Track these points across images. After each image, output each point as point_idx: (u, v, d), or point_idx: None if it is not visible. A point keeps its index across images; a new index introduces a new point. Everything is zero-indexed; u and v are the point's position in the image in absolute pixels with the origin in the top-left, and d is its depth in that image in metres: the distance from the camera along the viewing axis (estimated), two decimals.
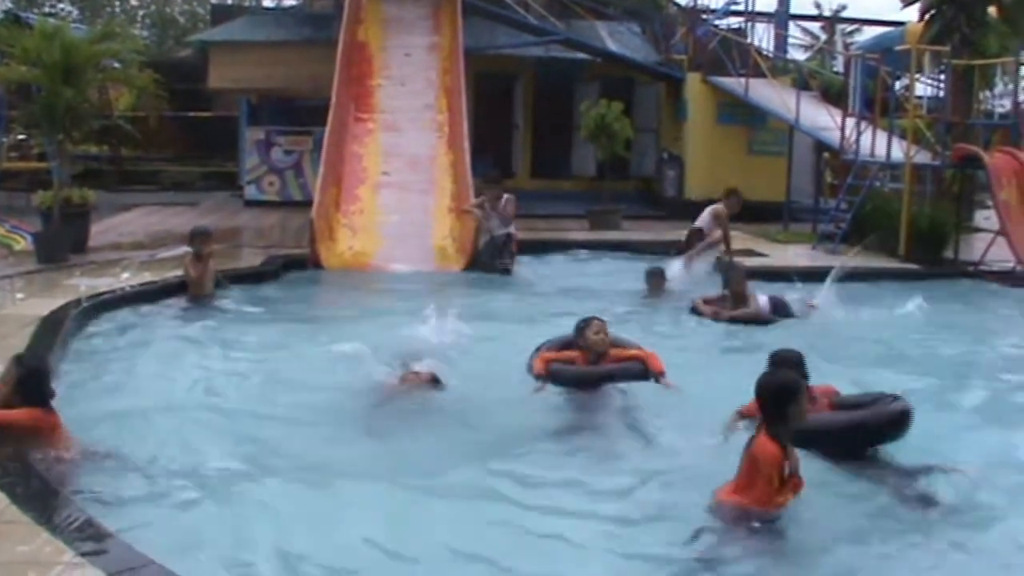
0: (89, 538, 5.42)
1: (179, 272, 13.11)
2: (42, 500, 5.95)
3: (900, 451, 7.35)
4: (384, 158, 18.81)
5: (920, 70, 18.79)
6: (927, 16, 20.31)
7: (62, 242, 15.48)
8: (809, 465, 6.41)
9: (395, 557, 5.81)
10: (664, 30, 27.13)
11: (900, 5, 22.04)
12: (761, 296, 12.52)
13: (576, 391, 8.86)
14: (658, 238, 18.20)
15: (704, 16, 26.53)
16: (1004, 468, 7.50)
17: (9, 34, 16.59)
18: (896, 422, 7.37)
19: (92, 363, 9.91)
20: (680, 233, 17.98)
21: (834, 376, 8.25)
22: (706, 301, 12.40)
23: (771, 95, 22.01)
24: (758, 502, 6.07)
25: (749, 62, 23.28)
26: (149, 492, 6.56)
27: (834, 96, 22.38)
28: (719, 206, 16.25)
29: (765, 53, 25.15)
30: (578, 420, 8.49)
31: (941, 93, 19.78)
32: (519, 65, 25.95)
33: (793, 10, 29.51)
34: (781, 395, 6.23)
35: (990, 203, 18.31)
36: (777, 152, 22.61)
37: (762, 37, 26.36)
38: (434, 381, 8.91)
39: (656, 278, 14.15)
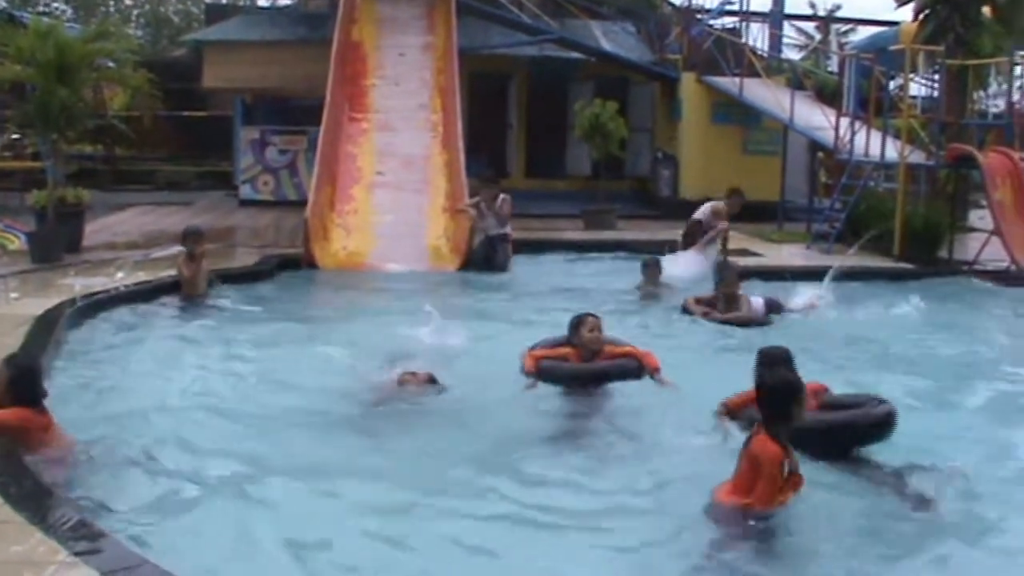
0: (83, 538, 5.40)
1: (173, 272, 13.10)
2: (36, 500, 5.93)
3: (898, 450, 7.36)
4: (378, 158, 18.81)
5: (914, 70, 18.81)
6: (921, 16, 20.30)
7: (56, 242, 15.46)
8: (807, 465, 6.40)
9: (394, 557, 5.81)
10: (659, 30, 27.15)
11: (894, 5, 22.05)
12: (755, 297, 12.50)
13: (571, 390, 8.87)
14: (653, 237, 18.19)
15: (699, 16, 26.54)
16: (999, 467, 7.52)
17: (3, 33, 16.57)
18: (881, 424, 7.39)
19: (86, 362, 9.89)
20: (674, 232, 18.03)
21: (829, 376, 8.24)
22: (697, 300, 12.39)
23: (766, 95, 22.02)
24: (760, 501, 6.06)
25: (744, 62, 23.30)
26: (144, 491, 6.56)
27: (828, 96, 22.42)
28: (720, 203, 16.34)
29: (760, 53, 25.18)
30: (574, 419, 8.50)
31: (935, 93, 19.83)
32: (513, 65, 25.97)
33: (788, 10, 29.56)
34: (785, 394, 6.23)
35: (984, 203, 18.33)
36: (771, 152, 22.61)
37: (757, 37, 26.48)
38: (432, 381, 8.91)
39: (652, 268, 14.19)
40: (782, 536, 6.04)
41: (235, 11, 29.53)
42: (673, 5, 29.02)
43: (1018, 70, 19.40)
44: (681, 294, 13.33)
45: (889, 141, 18.12)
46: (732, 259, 14.77)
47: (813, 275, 13.90)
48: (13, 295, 12.41)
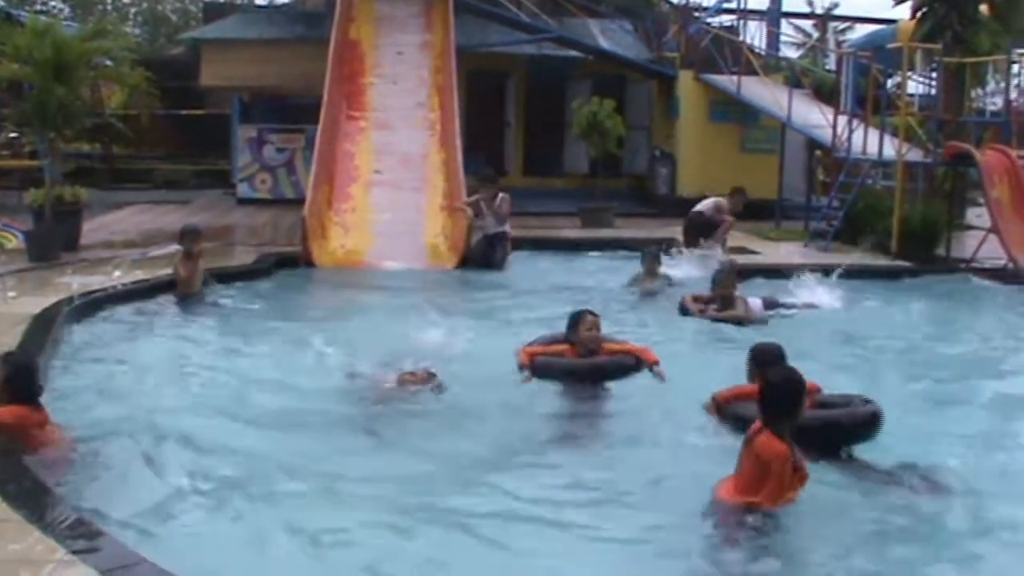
0: (81, 536, 5.40)
1: (171, 270, 13.08)
2: (33, 498, 5.93)
3: (896, 449, 7.36)
4: (376, 156, 18.81)
5: (912, 68, 18.83)
6: (919, 14, 20.30)
7: (54, 240, 15.46)
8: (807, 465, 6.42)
9: (394, 556, 5.80)
10: (656, 28, 27.12)
11: (892, 3, 22.08)
12: (753, 298, 12.52)
13: (570, 388, 8.88)
14: (650, 235, 18.19)
15: (696, 14, 26.51)
16: (998, 464, 7.54)
17: (0, 31, 16.54)
18: (867, 424, 7.40)
19: (83, 361, 9.89)
20: (672, 231, 18.10)
21: (825, 375, 8.24)
22: (695, 299, 12.40)
23: (763, 93, 22.01)
24: (769, 500, 6.06)
25: (741, 60, 23.28)
26: (142, 490, 6.55)
27: (826, 94, 22.39)
28: (723, 200, 16.42)
29: (757, 51, 25.14)
30: (573, 418, 8.53)
31: (933, 91, 19.80)
32: (511, 63, 25.96)
33: (785, 8, 29.56)
34: (789, 391, 6.24)
35: (982, 201, 18.34)
36: (769, 150, 22.61)
37: (754, 35, 26.38)
38: (431, 379, 8.90)
39: (652, 259, 14.22)
40: (785, 534, 6.04)
41: (233, 9, 29.49)
42: (671, 3, 29.01)
43: (1016, 68, 19.39)
44: (679, 290, 13.36)
45: (887, 139, 18.13)
46: (730, 258, 14.77)
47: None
48: (10, 294, 12.40)
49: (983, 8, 20.31)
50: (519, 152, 27.04)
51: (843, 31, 42.90)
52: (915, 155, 18.10)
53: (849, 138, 18.50)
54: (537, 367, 8.97)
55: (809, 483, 6.26)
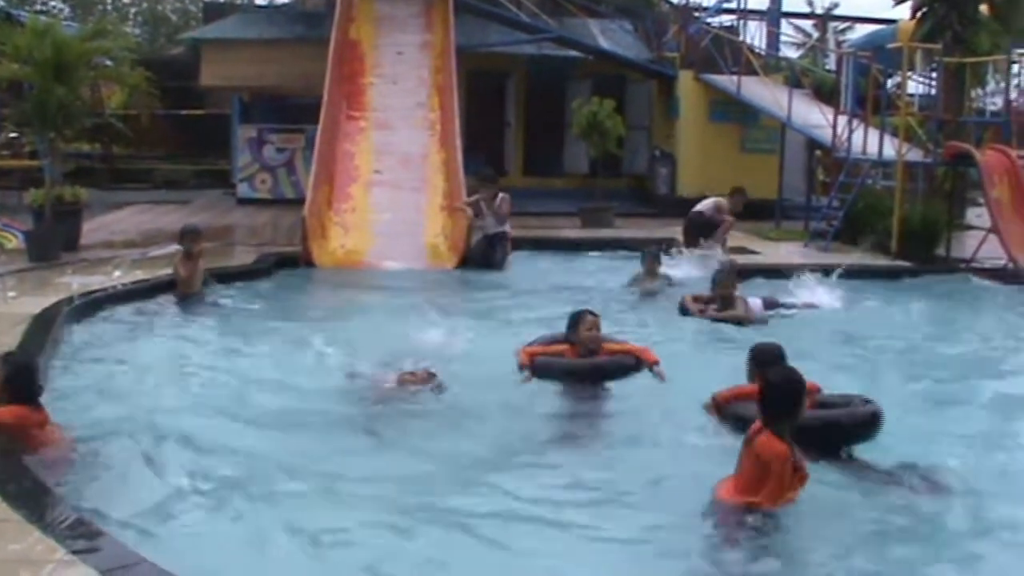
0: (81, 536, 5.40)
1: (171, 270, 13.08)
2: (33, 498, 5.93)
3: (895, 448, 7.36)
4: (376, 156, 18.81)
5: (912, 68, 18.83)
6: (919, 14, 20.30)
7: (54, 240, 15.45)
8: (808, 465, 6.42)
9: (394, 556, 5.80)
10: (656, 28, 27.12)
11: (892, 3, 22.07)
12: (753, 298, 12.53)
13: (570, 388, 8.88)
14: (650, 235, 18.20)
15: (696, 14, 26.52)
16: (998, 464, 7.54)
17: (0, 31, 16.54)
18: (867, 424, 7.40)
19: (83, 361, 9.89)
20: (672, 230, 18.10)
21: (825, 375, 8.24)
22: (695, 299, 12.41)
23: (763, 93, 22.01)
24: (769, 500, 6.06)
25: (741, 60, 23.29)
26: (142, 490, 6.55)
27: (826, 94, 22.38)
28: (723, 200, 16.44)
29: (757, 51, 25.14)
30: (573, 417, 8.53)
31: (933, 91, 19.80)
32: (511, 63, 25.96)
33: (785, 8, 29.55)
34: (790, 391, 6.24)
35: (982, 201, 18.34)
36: (769, 150, 22.61)
37: (754, 35, 26.38)
38: (431, 378, 8.91)
39: (652, 259, 14.23)
40: (785, 534, 6.04)
41: (233, 9, 29.50)
42: (671, 3, 29.01)
43: (1016, 68, 19.39)
44: (679, 290, 13.38)
45: (887, 139, 18.13)
46: (729, 259, 14.77)
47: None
48: (11, 294, 12.40)
49: (983, 8, 20.31)
50: (519, 152, 27.04)
51: (843, 31, 42.90)
52: (915, 155, 18.10)
53: (849, 138, 18.50)
54: (537, 367, 8.97)
55: (809, 483, 6.27)
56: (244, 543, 5.91)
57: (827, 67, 29.68)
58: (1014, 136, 18.28)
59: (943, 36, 19.28)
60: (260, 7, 32.42)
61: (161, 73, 21.89)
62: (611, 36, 26.86)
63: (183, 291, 12.76)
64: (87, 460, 6.97)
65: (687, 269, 14.90)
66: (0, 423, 6.81)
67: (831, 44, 39.62)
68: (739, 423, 7.19)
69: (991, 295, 15.19)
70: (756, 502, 6.05)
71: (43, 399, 7.18)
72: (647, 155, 25.84)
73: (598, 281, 14.79)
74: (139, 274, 13.51)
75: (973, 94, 21.24)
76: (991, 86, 22.12)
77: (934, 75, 19.68)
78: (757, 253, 17.43)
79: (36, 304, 11.40)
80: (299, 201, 18.34)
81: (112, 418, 7.93)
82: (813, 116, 20.53)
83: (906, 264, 16.68)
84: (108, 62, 17.99)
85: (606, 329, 9.44)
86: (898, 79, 19.91)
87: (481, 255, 16.14)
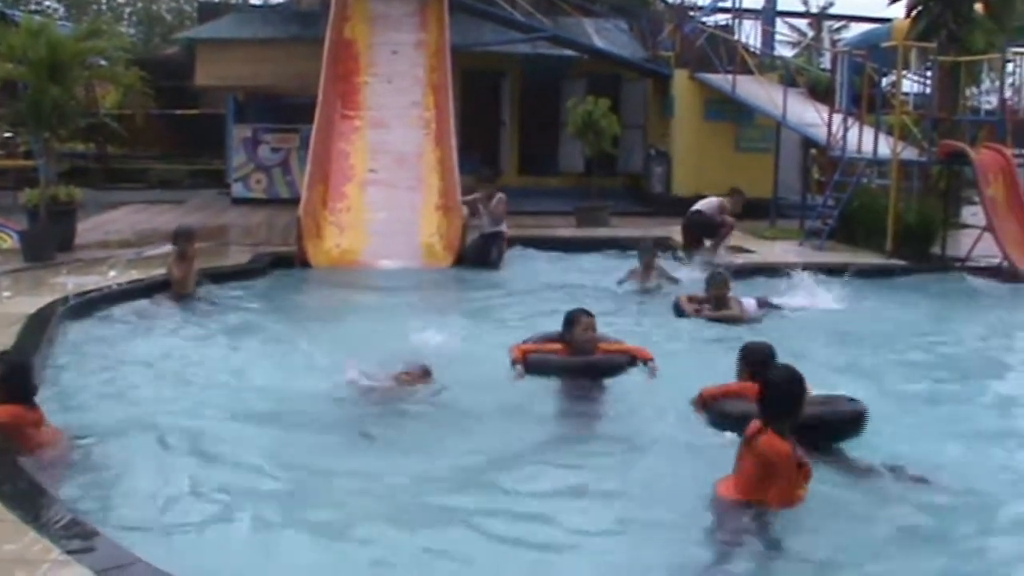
0: (76, 536, 5.40)
1: (165, 270, 13.08)
2: (28, 498, 5.92)
3: (893, 447, 7.38)
4: (371, 155, 18.78)
5: (907, 66, 18.80)
6: (914, 13, 20.32)
7: (49, 240, 15.43)
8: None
9: (392, 556, 5.80)
10: (651, 27, 27.14)
11: (887, 1, 22.06)
12: (747, 298, 12.54)
13: (567, 389, 8.88)
14: (646, 234, 18.18)
15: (691, 13, 26.56)
16: (994, 462, 7.55)
17: None
18: (852, 421, 7.42)
19: (78, 361, 9.88)
20: (667, 229, 18.12)
21: (820, 374, 8.25)
22: (690, 299, 12.42)
23: (758, 92, 22.02)
24: (780, 500, 6.07)
25: (736, 59, 23.31)
26: (137, 489, 6.54)
27: (821, 93, 22.38)
28: (727, 201, 16.48)
29: (752, 50, 25.18)
30: (570, 417, 8.54)
31: (928, 89, 19.79)
32: (506, 62, 25.95)
33: (780, 7, 29.55)
34: (791, 390, 6.25)
35: (977, 199, 18.35)
36: (764, 148, 22.61)
37: (749, 34, 26.42)
38: (426, 375, 8.91)
39: (649, 254, 14.26)
40: (787, 533, 6.02)
41: (227, 9, 29.45)
42: (666, 2, 29.02)
43: (1010, 67, 19.39)
44: (677, 289, 13.42)
45: (882, 138, 18.14)
46: (725, 261, 14.83)
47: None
48: (5, 294, 12.39)
49: (978, 7, 20.32)
50: (514, 151, 27.03)
51: (838, 30, 42.93)
52: (910, 154, 18.11)
53: (844, 137, 18.50)
54: (530, 364, 9.00)
55: (813, 482, 6.27)
56: (240, 543, 5.91)
57: (822, 66, 29.68)
58: (1009, 135, 18.30)
59: (938, 35, 19.29)
60: (255, 7, 32.42)
61: (156, 73, 21.84)
62: (606, 35, 26.85)
63: (178, 291, 12.75)
64: (82, 460, 6.97)
65: (687, 272, 14.89)
66: None
67: (826, 43, 39.67)
68: (724, 419, 7.34)
69: (986, 294, 15.20)
70: (765, 501, 6.05)
71: (38, 398, 7.17)
72: (642, 154, 25.84)
73: (594, 280, 14.78)
74: (134, 274, 13.51)
75: (968, 93, 21.23)
76: (986, 85, 22.19)
77: (929, 74, 19.67)
78: (752, 252, 17.43)
79: (31, 304, 11.39)
80: (294, 201, 18.32)
81: (107, 418, 7.94)
82: (808, 115, 20.54)
83: (901, 263, 16.69)
84: (103, 62, 17.96)
85: (602, 328, 9.45)
86: (893, 78, 19.90)
87: (477, 254, 16.14)
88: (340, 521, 6.19)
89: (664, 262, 15.02)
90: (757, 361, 7.63)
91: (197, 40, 24.98)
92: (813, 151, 22.25)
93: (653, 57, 25.89)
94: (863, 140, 18.21)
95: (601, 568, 5.84)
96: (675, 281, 14.18)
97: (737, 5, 26.45)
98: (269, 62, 23.32)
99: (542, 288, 14.30)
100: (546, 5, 25.80)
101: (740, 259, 16.32)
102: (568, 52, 25.49)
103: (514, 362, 9.05)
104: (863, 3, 33.13)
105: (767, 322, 12.06)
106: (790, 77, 22.96)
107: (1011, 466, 7.53)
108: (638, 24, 27.91)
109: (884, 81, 20.20)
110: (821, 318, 12.40)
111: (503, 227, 16.33)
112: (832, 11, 45.09)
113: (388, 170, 18.46)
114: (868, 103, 18.79)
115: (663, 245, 16.26)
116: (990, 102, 20.98)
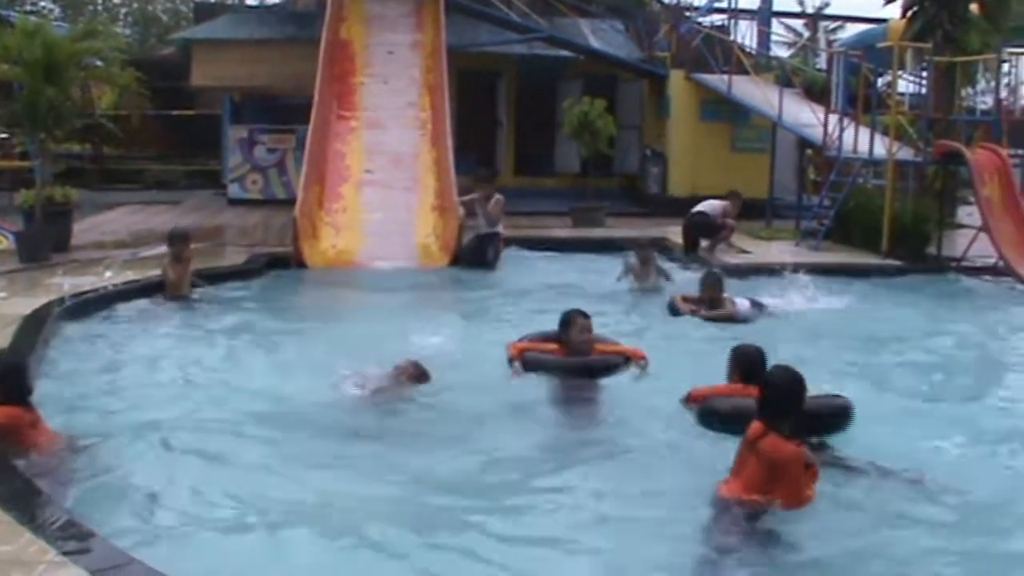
0: (72, 537, 5.40)
1: (161, 271, 13.07)
2: (24, 499, 5.93)
3: (893, 447, 7.39)
4: (367, 156, 18.78)
5: (902, 67, 18.81)
6: (909, 13, 20.33)
7: (44, 241, 15.44)
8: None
9: (391, 556, 5.80)
10: (647, 27, 27.13)
11: (882, 2, 22.11)
12: (740, 299, 12.54)
13: (563, 387, 8.89)
14: (641, 235, 18.18)
15: (687, 13, 26.57)
16: (991, 461, 7.57)
17: None
18: (838, 415, 7.45)
19: (74, 362, 9.88)
20: (663, 230, 18.12)
21: (814, 374, 8.24)
22: (685, 299, 12.43)
23: (754, 92, 22.03)
24: (788, 501, 6.08)
25: (732, 59, 23.32)
26: (133, 490, 6.54)
27: (817, 93, 22.39)
28: (729, 204, 16.51)
29: (748, 50, 25.17)
30: (567, 417, 8.53)
31: (923, 90, 19.81)
32: (502, 63, 25.94)
33: (776, 7, 29.57)
34: (793, 391, 6.27)
35: (972, 199, 18.36)
36: (760, 149, 22.61)
37: (745, 34, 26.43)
38: (421, 373, 8.91)
39: (646, 252, 14.27)
40: (789, 533, 6.03)
41: (223, 9, 29.41)
42: (662, 3, 29.02)
43: (1005, 67, 19.41)
44: (670, 288, 13.44)
45: (877, 138, 18.14)
46: (718, 263, 14.85)
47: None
48: (1, 295, 12.38)
49: (973, 7, 20.33)
50: (510, 152, 27.03)
51: (834, 30, 42.93)
52: (906, 154, 18.12)
53: (840, 137, 18.51)
54: (527, 363, 9.02)
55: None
56: (238, 543, 5.91)
57: (818, 66, 29.70)
58: (1004, 135, 18.31)
59: (933, 35, 19.31)
60: (251, 7, 32.39)
61: (152, 73, 21.86)
62: (602, 36, 26.85)
63: (172, 293, 12.75)
64: (77, 460, 6.96)
65: (687, 273, 14.91)
66: None
67: (822, 43, 39.68)
68: (712, 416, 7.44)
69: (981, 293, 15.22)
70: (771, 502, 6.06)
71: (34, 399, 7.17)
72: (638, 154, 25.84)
73: (590, 281, 14.76)
74: (130, 275, 13.49)
75: (963, 93, 21.26)
76: (981, 85, 22.19)
77: (924, 74, 19.69)
78: (748, 252, 17.43)
79: (27, 305, 11.39)
80: (290, 201, 18.34)
81: (103, 418, 7.95)
82: (804, 115, 20.54)
83: (897, 263, 16.70)
84: (98, 62, 17.95)
85: (597, 328, 9.46)
86: (888, 78, 19.92)
87: (473, 254, 16.14)
88: (338, 521, 6.18)
89: (674, 264, 15.06)
90: (748, 364, 7.68)
91: (193, 41, 24.95)
92: (809, 151, 22.27)
93: (649, 57, 25.89)
94: (859, 140, 18.22)
95: (601, 568, 5.84)
96: (669, 278, 14.21)
97: (733, 5, 26.48)
98: (265, 63, 23.32)
99: (538, 288, 14.29)
100: (542, 6, 25.81)
101: (736, 259, 16.34)
102: (564, 53, 25.49)
103: (511, 359, 9.06)
104: (859, 3, 33.19)
105: (762, 323, 12.05)
106: (786, 77, 22.94)
107: (1010, 466, 7.54)
108: (634, 24, 27.90)
109: (880, 81, 20.21)
110: (816, 318, 12.39)
111: (499, 228, 16.33)
112: (828, 11, 45.14)
113: (384, 171, 18.46)
114: (864, 103, 18.79)
115: (659, 246, 16.23)
116: (985, 102, 20.95)
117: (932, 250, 17.65)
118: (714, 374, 8.18)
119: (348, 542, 5.94)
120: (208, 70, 23.99)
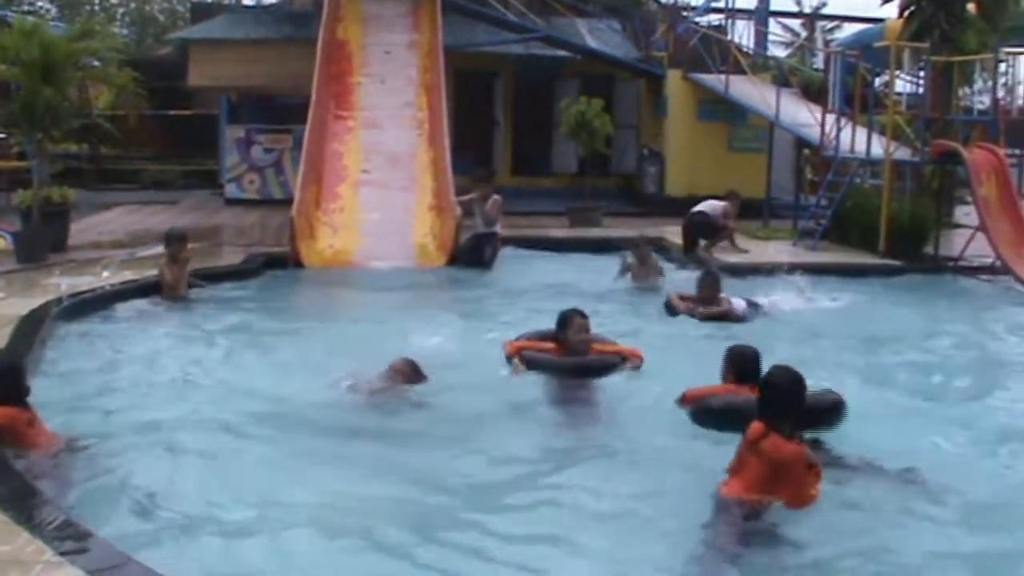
0: (69, 537, 5.39)
1: (158, 271, 13.07)
2: (21, 499, 5.92)
3: (891, 446, 7.38)
4: (364, 156, 18.78)
5: (900, 66, 18.84)
6: (906, 13, 20.33)
7: (42, 241, 15.43)
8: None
9: (390, 557, 5.81)
10: (644, 27, 27.14)
11: (879, 2, 22.11)
12: (737, 299, 12.54)
13: (561, 387, 8.88)
14: (639, 234, 18.19)
15: (684, 13, 26.57)
16: (988, 461, 7.56)
17: None
18: (829, 411, 7.45)
19: (71, 362, 9.87)
20: (661, 229, 18.11)
21: (810, 373, 8.24)
22: (682, 297, 12.43)
23: (751, 92, 22.04)
24: (791, 501, 6.08)
25: (729, 59, 23.33)
26: (130, 490, 6.53)
27: (814, 93, 22.41)
28: (728, 204, 16.50)
29: (745, 50, 25.20)
30: (565, 417, 8.52)
31: (921, 89, 19.82)
32: (499, 62, 25.95)
33: (773, 7, 29.61)
34: (793, 391, 6.26)
35: (970, 199, 18.37)
36: (757, 149, 22.63)
37: (742, 34, 26.47)
38: (416, 372, 8.90)
39: (644, 249, 14.28)
40: (790, 533, 6.03)
41: (220, 9, 29.41)
42: (659, 2, 29.05)
43: (1003, 67, 19.44)
44: (667, 286, 13.45)
45: (875, 138, 18.15)
46: (715, 263, 14.86)
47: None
48: None
49: (970, 7, 20.35)
50: (507, 151, 27.03)
51: (831, 30, 43.00)
52: (903, 153, 18.13)
53: (837, 137, 18.52)
54: (525, 362, 9.01)
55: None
56: (237, 543, 5.91)
57: (815, 66, 29.72)
58: (1001, 134, 18.31)
59: (930, 35, 19.31)
60: (248, 7, 32.33)
61: (149, 73, 21.87)
62: (599, 35, 26.85)
63: (169, 294, 12.75)
64: (74, 460, 6.96)
65: (685, 273, 14.92)
66: None
67: (819, 43, 39.70)
68: (706, 414, 7.43)
69: (978, 293, 15.23)
70: (774, 502, 6.06)
71: (31, 400, 7.17)
72: (635, 154, 25.86)
73: (587, 280, 14.76)
74: (127, 275, 13.49)
75: (960, 93, 21.26)
76: (978, 85, 22.17)
77: (922, 74, 19.70)
78: (745, 252, 17.43)
79: (24, 305, 11.38)
80: (287, 201, 18.32)
81: (100, 418, 7.94)
82: (801, 115, 20.56)
83: (894, 262, 16.70)
84: (96, 63, 17.95)
85: (595, 328, 9.45)
86: (886, 78, 19.94)
87: (470, 254, 16.13)
88: (338, 520, 6.18)
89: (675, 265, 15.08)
90: (742, 364, 7.69)
91: (190, 40, 24.95)
92: (806, 151, 22.29)
93: (646, 57, 25.89)
94: (856, 140, 18.23)
95: (601, 567, 5.84)
96: (662, 274, 14.24)
97: (730, 5, 26.49)
98: (262, 62, 23.31)
99: (535, 288, 14.28)
100: (539, 5, 25.80)
101: (733, 259, 16.34)
102: (561, 52, 25.51)
103: (509, 358, 9.05)
104: (856, 3, 33.24)
105: (759, 322, 12.05)
106: (783, 77, 22.98)
107: (1010, 465, 7.55)
108: (631, 24, 27.90)
109: (877, 81, 20.21)
110: (813, 318, 12.39)
111: (497, 227, 16.33)
112: (825, 11, 45.17)
113: (381, 170, 18.45)
114: (861, 103, 18.80)
115: (656, 246, 16.23)
116: (983, 102, 20.94)
117: (929, 250, 17.66)
118: (712, 374, 8.17)
119: (348, 542, 5.94)
120: (205, 70, 23.98)
